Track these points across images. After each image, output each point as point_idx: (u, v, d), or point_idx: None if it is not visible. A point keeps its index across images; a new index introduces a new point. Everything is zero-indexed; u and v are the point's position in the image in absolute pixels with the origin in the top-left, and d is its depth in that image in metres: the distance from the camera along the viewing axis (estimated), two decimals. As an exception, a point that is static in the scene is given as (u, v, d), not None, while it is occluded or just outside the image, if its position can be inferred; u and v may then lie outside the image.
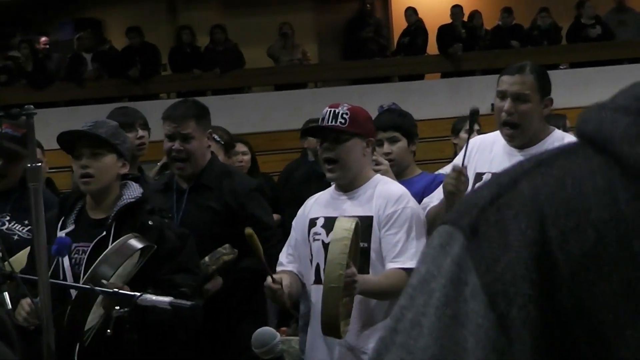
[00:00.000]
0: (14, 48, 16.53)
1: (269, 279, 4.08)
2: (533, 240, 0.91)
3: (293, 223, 4.46)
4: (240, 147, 7.64)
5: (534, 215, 0.92)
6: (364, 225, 4.11)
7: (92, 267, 3.80)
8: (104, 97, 14.57)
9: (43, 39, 16.35)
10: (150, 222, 4.09)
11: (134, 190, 4.20)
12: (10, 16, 18.50)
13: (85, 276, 3.81)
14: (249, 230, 4.01)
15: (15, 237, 4.58)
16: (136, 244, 3.90)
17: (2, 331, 0.85)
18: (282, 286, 4.05)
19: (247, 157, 7.64)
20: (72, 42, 16.72)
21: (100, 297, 3.74)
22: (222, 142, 6.29)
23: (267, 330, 3.00)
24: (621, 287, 0.89)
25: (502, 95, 4.28)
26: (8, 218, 4.63)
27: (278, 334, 3.03)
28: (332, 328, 3.89)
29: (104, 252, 3.83)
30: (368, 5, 16.50)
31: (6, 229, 4.62)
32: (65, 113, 13.57)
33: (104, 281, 3.69)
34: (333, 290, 3.81)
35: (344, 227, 3.89)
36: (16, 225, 4.60)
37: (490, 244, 0.93)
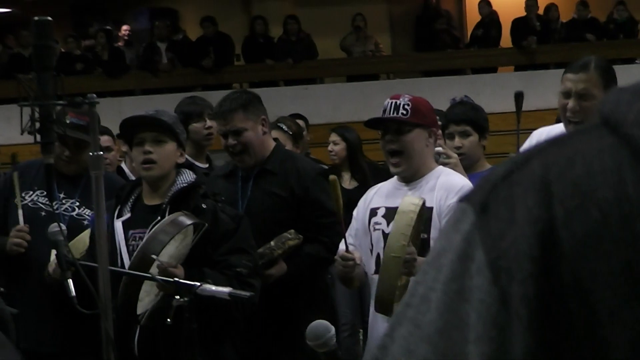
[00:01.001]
0: (91, 37, 16.74)
1: (341, 248, 4.09)
2: (538, 217, 0.91)
3: (354, 212, 4.46)
4: (333, 137, 7.69)
5: (541, 193, 0.92)
6: (425, 217, 4.09)
7: (141, 243, 3.85)
8: (178, 86, 14.70)
9: (124, 27, 16.50)
10: (204, 206, 4.13)
11: (187, 176, 4.25)
12: (87, 6, 18.74)
13: (135, 253, 3.86)
14: (333, 177, 4.04)
15: (85, 222, 4.65)
16: (185, 220, 3.94)
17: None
18: (354, 260, 4.07)
19: (339, 147, 7.64)
20: (147, 32, 16.89)
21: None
22: (290, 132, 6.30)
23: (321, 323, 3.00)
24: (620, 267, 0.89)
25: (566, 94, 4.21)
26: (77, 203, 4.71)
27: (333, 328, 3.02)
28: (386, 302, 3.84)
29: (153, 228, 3.88)
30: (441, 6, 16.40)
31: (76, 214, 4.70)
32: (140, 102, 13.71)
33: (154, 256, 3.74)
34: (393, 261, 3.78)
35: (412, 202, 3.88)
36: (85, 210, 4.68)
37: (497, 220, 0.93)
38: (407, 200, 3.92)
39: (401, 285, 3.94)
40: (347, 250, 4.10)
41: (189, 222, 3.95)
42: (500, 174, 0.96)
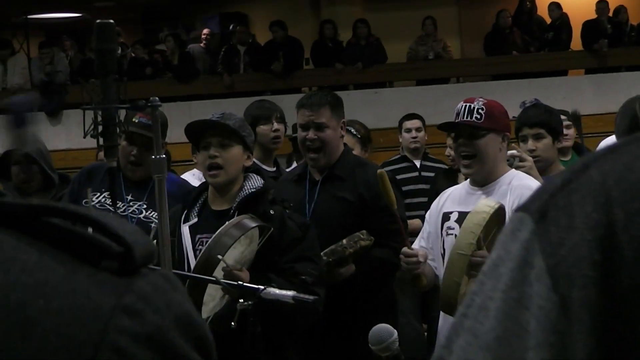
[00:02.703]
0: (161, 42, 16.88)
1: (405, 248, 4.07)
2: (598, 222, 0.92)
3: (427, 216, 4.44)
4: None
5: (600, 199, 0.93)
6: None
7: (206, 246, 3.85)
8: (247, 90, 14.75)
9: (205, 30, 16.58)
10: (271, 212, 4.12)
11: (255, 181, 4.24)
12: (157, 10, 18.92)
13: (200, 255, 3.85)
14: (381, 171, 4.05)
15: (152, 224, 4.67)
16: (250, 222, 3.93)
17: None
18: (418, 256, 4.04)
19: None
20: (218, 37, 16.97)
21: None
22: (359, 136, 6.29)
23: (384, 327, 2.98)
24: None
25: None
26: (145, 206, 4.73)
27: (395, 332, 2.99)
28: (449, 301, 3.81)
29: (218, 231, 3.86)
30: (528, 3, 16.21)
31: (143, 217, 4.72)
32: (209, 106, 13.78)
33: (219, 256, 3.72)
34: (459, 258, 3.76)
35: (487, 204, 3.87)
36: (152, 213, 4.70)
37: (557, 227, 0.94)
38: (484, 201, 3.92)
39: (468, 283, 3.90)
40: (409, 247, 4.09)
41: (253, 224, 3.94)
42: (558, 183, 0.96)
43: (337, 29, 15.82)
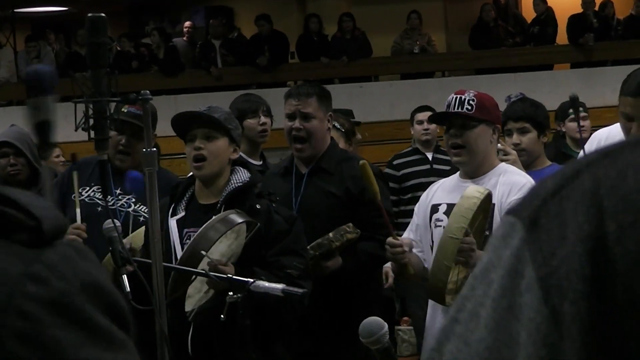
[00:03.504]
0: (147, 35, 16.87)
1: (390, 238, 4.09)
2: (589, 234, 0.89)
3: (415, 208, 4.45)
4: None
5: (592, 209, 0.90)
6: (489, 213, 4.06)
7: (191, 240, 3.86)
8: (233, 84, 14.74)
9: (187, 23, 16.57)
10: (258, 206, 4.13)
11: (242, 175, 4.24)
12: (143, 5, 18.88)
13: (185, 249, 3.87)
14: (363, 162, 4.06)
15: (141, 218, 4.67)
16: (237, 218, 3.94)
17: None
18: (403, 246, 4.06)
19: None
20: (203, 30, 16.97)
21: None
22: (343, 130, 6.29)
23: (374, 320, 2.98)
24: None
25: (627, 116, 3.97)
26: (134, 200, 4.72)
27: (386, 325, 3.00)
28: (438, 285, 3.81)
29: (204, 225, 3.88)
30: (502, 1, 16.25)
31: (132, 210, 4.72)
32: (195, 100, 13.77)
33: (203, 252, 3.74)
34: (450, 242, 3.76)
35: (477, 190, 3.89)
36: (141, 207, 4.69)
37: (548, 236, 0.91)
38: (473, 187, 3.93)
39: (460, 277, 3.91)
40: (394, 237, 4.10)
41: (240, 220, 3.95)
42: (550, 189, 0.94)
43: (322, 23, 15.84)
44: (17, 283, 0.82)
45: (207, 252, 3.76)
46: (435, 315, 4.18)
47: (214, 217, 3.94)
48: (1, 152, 5.28)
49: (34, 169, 5.27)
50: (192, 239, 3.89)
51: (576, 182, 0.93)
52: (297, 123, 4.74)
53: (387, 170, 7.44)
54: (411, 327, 7.16)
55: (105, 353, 0.86)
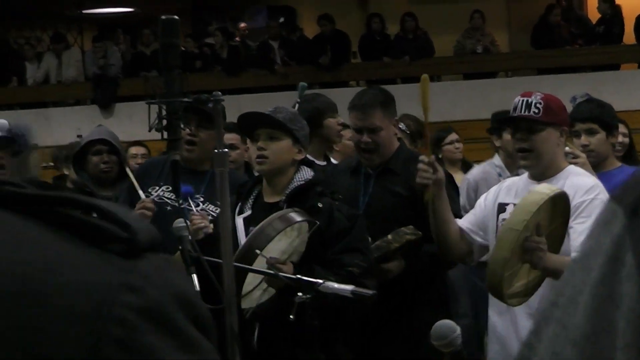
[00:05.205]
0: (210, 35, 16.97)
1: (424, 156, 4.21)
2: None
3: (480, 200, 4.43)
4: (454, 136, 7.73)
5: None
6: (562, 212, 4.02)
7: (248, 236, 3.88)
8: (295, 84, 14.76)
9: (242, 24, 16.66)
10: (319, 204, 4.14)
11: (305, 173, 4.26)
12: (206, 4, 18.99)
13: (241, 246, 3.89)
14: (424, 76, 4.14)
15: (209, 217, 4.69)
16: (295, 216, 3.95)
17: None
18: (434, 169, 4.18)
19: (460, 145, 7.66)
20: (265, 30, 17.04)
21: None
22: (408, 132, 6.27)
23: (447, 322, 2.98)
24: None
25: None
26: (202, 199, 4.76)
27: (458, 328, 3.00)
28: (494, 282, 3.75)
29: (262, 222, 3.90)
30: (564, 2, 16.09)
31: (200, 209, 4.75)
32: (258, 99, 13.83)
33: (257, 251, 3.76)
34: (510, 233, 3.71)
35: (548, 186, 3.84)
36: (209, 205, 4.73)
37: None
38: (544, 184, 3.89)
39: (531, 279, 3.84)
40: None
41: (299, 218, 3.96)
42: None
43: (384, 22, 15.82)
44: (116, 292, 0.85)
45: (262, 250, 3.78)
46: (499, 321, 4.14)
47: (271, 215, 3.96)
48: (95, 149, 5.40)
49: (122, 168, 5.40)
50: (249, 235, 3.92)
51: None
52: (365, 137, 4.75)
53: None
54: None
55: None
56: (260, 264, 3.82)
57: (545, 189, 3.80)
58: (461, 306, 6.69)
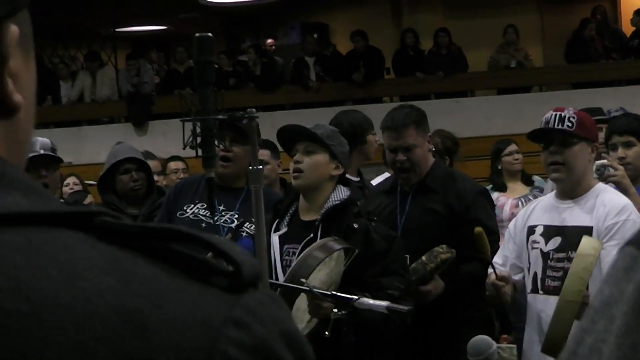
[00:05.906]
0: (244, 52, 17.03)
1: (491, 275, 4.06)
2: None
3: (510, 226, 4.42)
4: (513, 147, 7.83)
5: None
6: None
7: (291, 267, 3.88)
8: (328, 100, 14.79)
9: (269, 41, 16.74)
10: (355, 225, 4.12)
11: (340, 193, 4.25)
12: (240, 22, 19.08)
13: (286, 275, 3.88)
14: (478, 229, 4.04)
15: (244, 234, 4.70)
16: (335, 245, 3.94)
17: None
18: (507, 282, 4.05)
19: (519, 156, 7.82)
20: (299, 46, 17.10)
21: (306, 304, 3.80)
22: (435, 150, 6.26)
23: (483, 338, 2.97)
24: None
25: None
26: (237, 216, 4.76)
27: (494, 343, 2.99)
28: (554, 346, 3.72)
29: (302, 253, 3.89)
30: (598, 16, 16.01)
31: (235, 226, 4.76)
32: (291, 116, 13.86)
33: (303, 279, 3.75)
34: (568, 305, 3.69)
35: (592, 245, 3.80)
36: (245, 223, 4.73)
37: None
38: (587, 242, 3.83)
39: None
40: (497, 277, 4.07)
41: (338, 247, 3.94)
42: None
43: (418, 37, 15.81)
44: (221, 327, 0.83)
45: (307, 279, 3.77)
46: (532, 340, 4.13)
47: (312, 245, 3.95)
48: (123, 168, 5.43)
49: (151, 183, 5.44)
50: (291, 266, 3.91)
51: None
52: (400, 156, 4.74)
53: None
54: (512, 345, 7.08)
55: None
56: (301, 299, 3.81)
57: (590, 249, 3.77)
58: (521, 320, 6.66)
